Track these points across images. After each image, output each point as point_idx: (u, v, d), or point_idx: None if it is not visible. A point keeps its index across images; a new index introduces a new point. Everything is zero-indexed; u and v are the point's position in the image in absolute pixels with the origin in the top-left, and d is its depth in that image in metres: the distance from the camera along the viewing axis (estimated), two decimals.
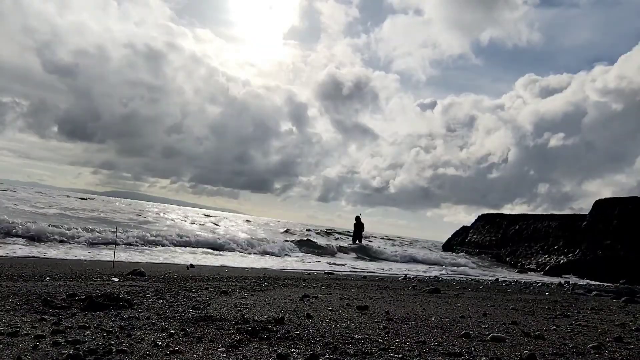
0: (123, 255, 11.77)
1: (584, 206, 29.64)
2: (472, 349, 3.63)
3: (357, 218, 27.88)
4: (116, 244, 11.54)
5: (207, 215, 48.18)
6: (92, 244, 13.97)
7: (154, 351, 2.92)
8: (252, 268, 12.73)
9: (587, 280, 22.17)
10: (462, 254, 35.38)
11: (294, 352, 3.16)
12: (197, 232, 22.26)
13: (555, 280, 19.63)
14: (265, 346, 3.25)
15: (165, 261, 12.26)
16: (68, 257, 10.77)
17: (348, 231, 42.66)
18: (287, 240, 23.68)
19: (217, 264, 12.94)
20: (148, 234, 16.80)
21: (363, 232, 27.83)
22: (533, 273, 25.96)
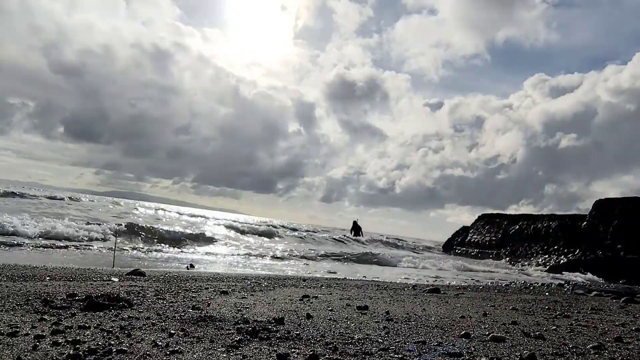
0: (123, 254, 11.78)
1: (590, 207, 29.73)
2: (472, 349, 3.62)
3: (355, 222, 31.10)
4: (116, 243, 11.57)
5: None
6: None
7: (154, 351, 2.92)
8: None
9: (589, 275, 22.29)
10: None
11: (294, 352, 3.16)
12: None
13: (556, 280, 19.61)
14: (265, 346, 3.25)
15: (165, 260, 12.26)
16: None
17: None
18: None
19: None
20: None
21: (362, 232, 31.45)
22: (533, 273, 25.96)
